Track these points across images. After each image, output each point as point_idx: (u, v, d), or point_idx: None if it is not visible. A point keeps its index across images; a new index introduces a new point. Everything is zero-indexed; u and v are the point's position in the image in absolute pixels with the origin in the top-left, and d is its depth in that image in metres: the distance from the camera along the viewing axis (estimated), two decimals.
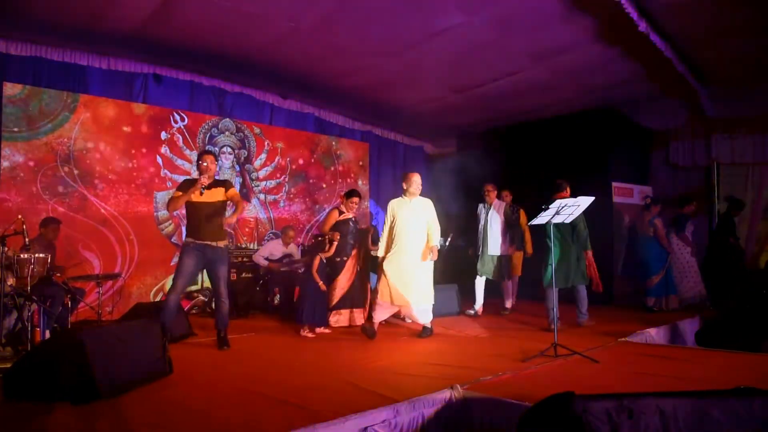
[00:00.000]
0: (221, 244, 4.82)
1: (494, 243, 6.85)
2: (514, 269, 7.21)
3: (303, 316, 5.51)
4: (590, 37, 5.97)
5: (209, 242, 4.75)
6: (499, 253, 6.87)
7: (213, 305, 5.03)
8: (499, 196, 7.13)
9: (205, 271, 5.12)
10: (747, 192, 8.13)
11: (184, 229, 5.79)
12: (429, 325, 5.44)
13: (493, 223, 6.87)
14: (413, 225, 5.38)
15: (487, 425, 2.92)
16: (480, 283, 6.97)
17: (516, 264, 7.26)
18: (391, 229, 5.44)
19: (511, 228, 7.06)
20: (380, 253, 5.49)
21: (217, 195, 4.77)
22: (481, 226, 6.95)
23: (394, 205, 5.53)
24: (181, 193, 4.68)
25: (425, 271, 5.42)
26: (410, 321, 6.35)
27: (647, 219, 7.13)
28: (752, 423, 2.09)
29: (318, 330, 5.65)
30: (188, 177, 4.97)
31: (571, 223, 6.19)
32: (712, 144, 8.27)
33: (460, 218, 8.18)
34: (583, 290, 6.15)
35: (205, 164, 4.74)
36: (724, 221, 7.53)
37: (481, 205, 7.06)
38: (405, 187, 5.50)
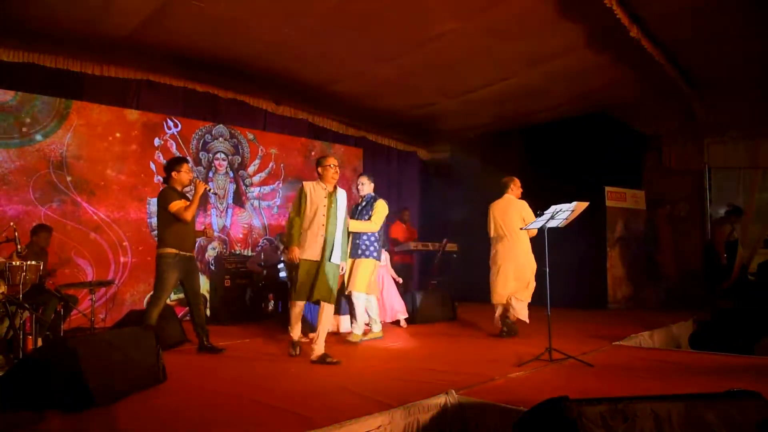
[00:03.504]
0: (193, 252, 4.86)
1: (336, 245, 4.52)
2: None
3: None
4: (582, 42, 6.02)
5: (191, 253, 4.77)
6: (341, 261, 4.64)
7: (194, 314, 4.91)
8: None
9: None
10: (739, 195, 8.19)
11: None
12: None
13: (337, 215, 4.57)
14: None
15: (483, 430, 2.92)
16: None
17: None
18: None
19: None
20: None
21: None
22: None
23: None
24: (188, 201, 4.64)
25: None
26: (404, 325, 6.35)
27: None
28: (746, 426, 2.10)
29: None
30: (165, 188, 4.75)
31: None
32: (704, 148, 8.35)
33: (456, 224, 8.19)
34: None
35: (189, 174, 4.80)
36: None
37: (311, 184, 4.57)
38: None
